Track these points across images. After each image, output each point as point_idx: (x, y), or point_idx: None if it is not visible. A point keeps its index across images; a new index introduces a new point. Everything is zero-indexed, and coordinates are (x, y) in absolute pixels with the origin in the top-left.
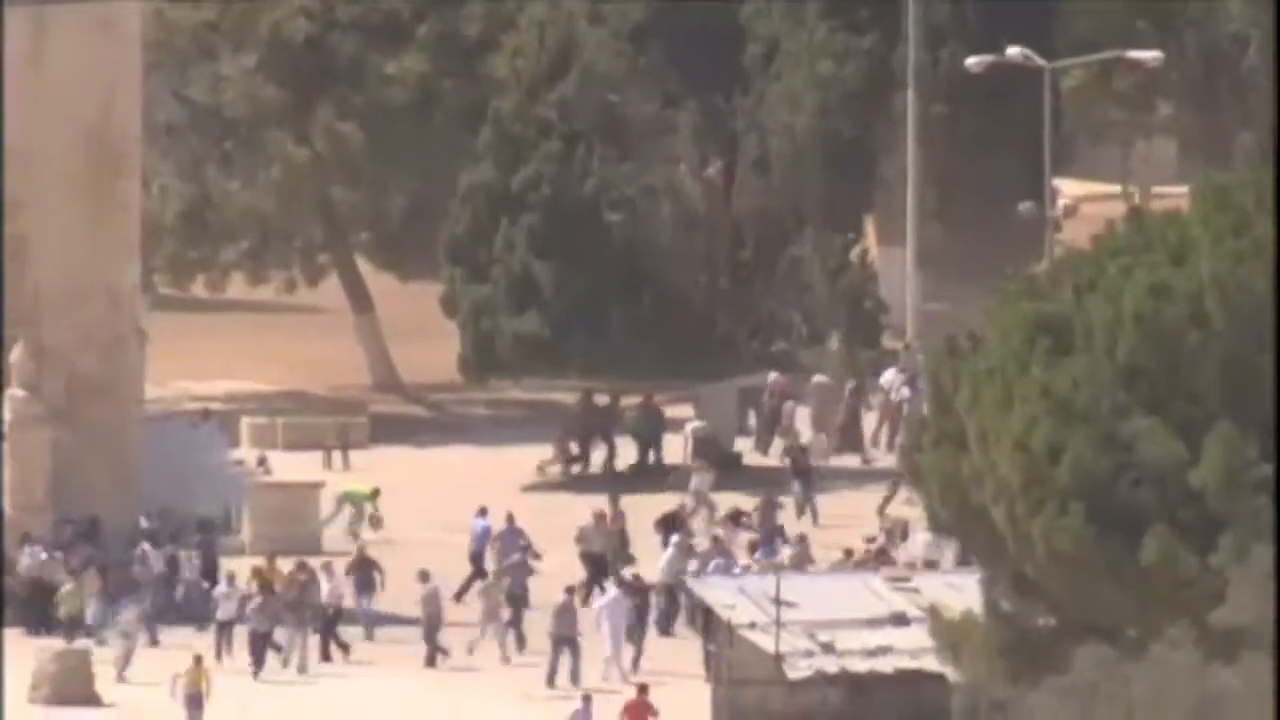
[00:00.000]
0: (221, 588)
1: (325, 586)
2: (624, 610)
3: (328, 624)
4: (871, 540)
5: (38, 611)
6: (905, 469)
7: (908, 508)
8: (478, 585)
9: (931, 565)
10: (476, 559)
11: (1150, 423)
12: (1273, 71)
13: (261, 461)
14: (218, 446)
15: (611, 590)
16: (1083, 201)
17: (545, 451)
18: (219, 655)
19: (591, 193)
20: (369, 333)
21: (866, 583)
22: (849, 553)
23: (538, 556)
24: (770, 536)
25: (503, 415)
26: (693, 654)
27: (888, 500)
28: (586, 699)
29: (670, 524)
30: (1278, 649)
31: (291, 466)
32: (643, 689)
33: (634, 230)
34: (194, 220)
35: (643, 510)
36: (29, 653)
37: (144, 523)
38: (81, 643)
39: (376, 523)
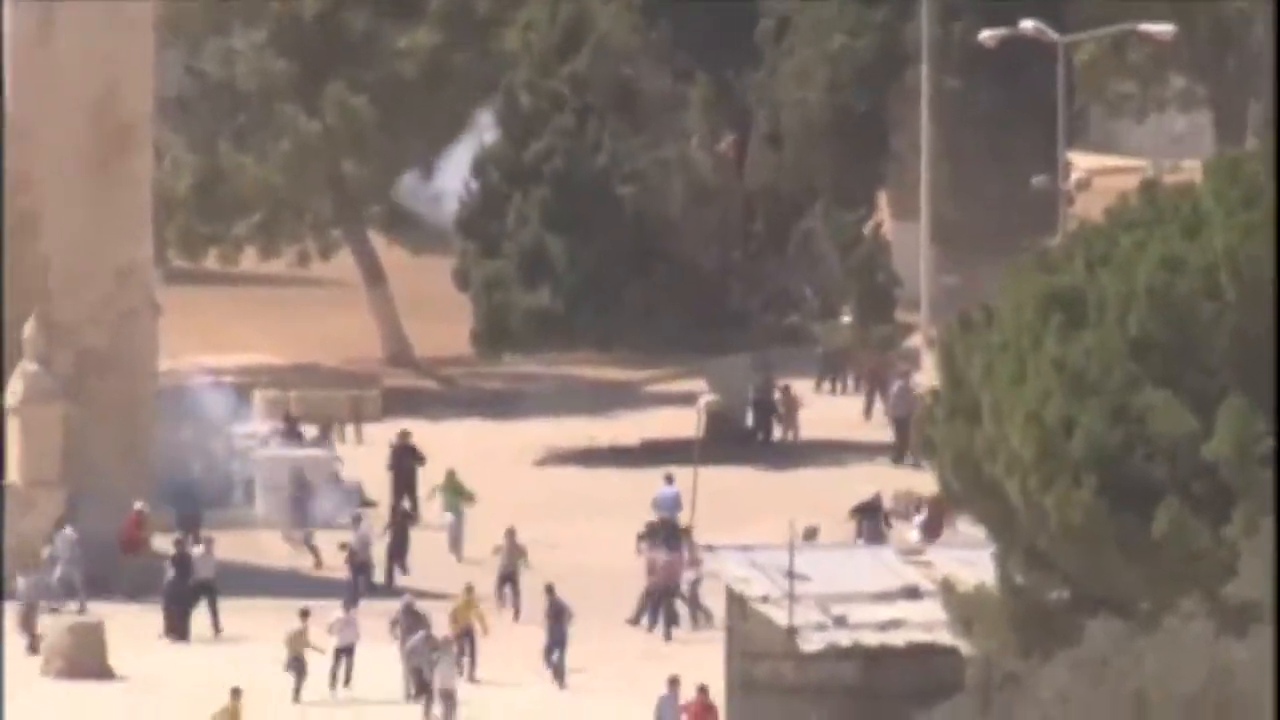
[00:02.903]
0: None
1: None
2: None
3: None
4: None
5: None
6: (917, 442)
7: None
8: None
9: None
10: (667, 525)
11: (1163, 396)
12: (1273, 57)
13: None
14: (225, 413)
15: None
16: (1096, 175)
17: (558, 425)
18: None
19: (603, 167)
20: (382, 306)
21: (879, 556)
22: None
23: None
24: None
25: (515, 389)
26: None
27: None
28: (674, 683)
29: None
30: (1278, 621)
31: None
32: (702, 689)
33: (646, 204)
34: (206, 194)
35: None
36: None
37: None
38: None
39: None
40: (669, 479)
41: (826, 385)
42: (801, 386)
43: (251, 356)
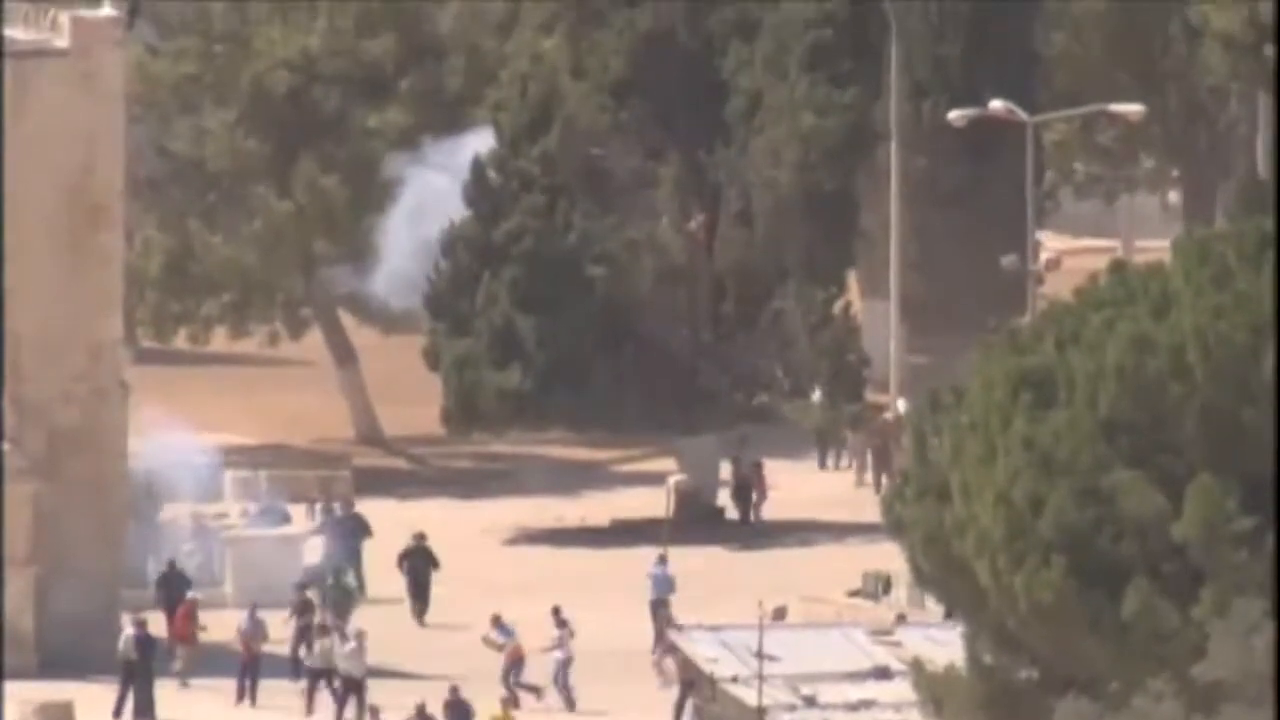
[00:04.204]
0: None
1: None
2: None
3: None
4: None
5: None
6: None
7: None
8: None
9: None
10: (657, 607)
11: (1132, 476)
12: (1273, 115)
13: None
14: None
15: None
16: (1065, 255)
17: (528, 505)
18: None
19: (573, 246)
20: (352, 386)
21: (849, 636)
22: None
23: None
24: None
25: (486, 469)
26: None
27: None
28: None
29: None
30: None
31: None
32: None
33: (616, 284)
34: (176, 273)
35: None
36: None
37: None
38: None
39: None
40: (662, 559)
41: (830, 463)
42: (782, 466)
43: (222, 436)
